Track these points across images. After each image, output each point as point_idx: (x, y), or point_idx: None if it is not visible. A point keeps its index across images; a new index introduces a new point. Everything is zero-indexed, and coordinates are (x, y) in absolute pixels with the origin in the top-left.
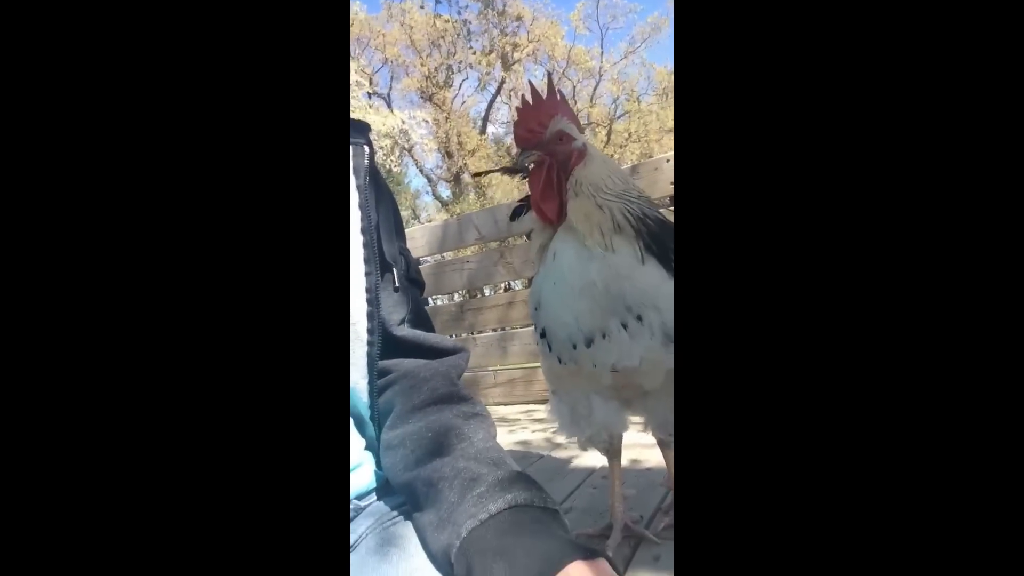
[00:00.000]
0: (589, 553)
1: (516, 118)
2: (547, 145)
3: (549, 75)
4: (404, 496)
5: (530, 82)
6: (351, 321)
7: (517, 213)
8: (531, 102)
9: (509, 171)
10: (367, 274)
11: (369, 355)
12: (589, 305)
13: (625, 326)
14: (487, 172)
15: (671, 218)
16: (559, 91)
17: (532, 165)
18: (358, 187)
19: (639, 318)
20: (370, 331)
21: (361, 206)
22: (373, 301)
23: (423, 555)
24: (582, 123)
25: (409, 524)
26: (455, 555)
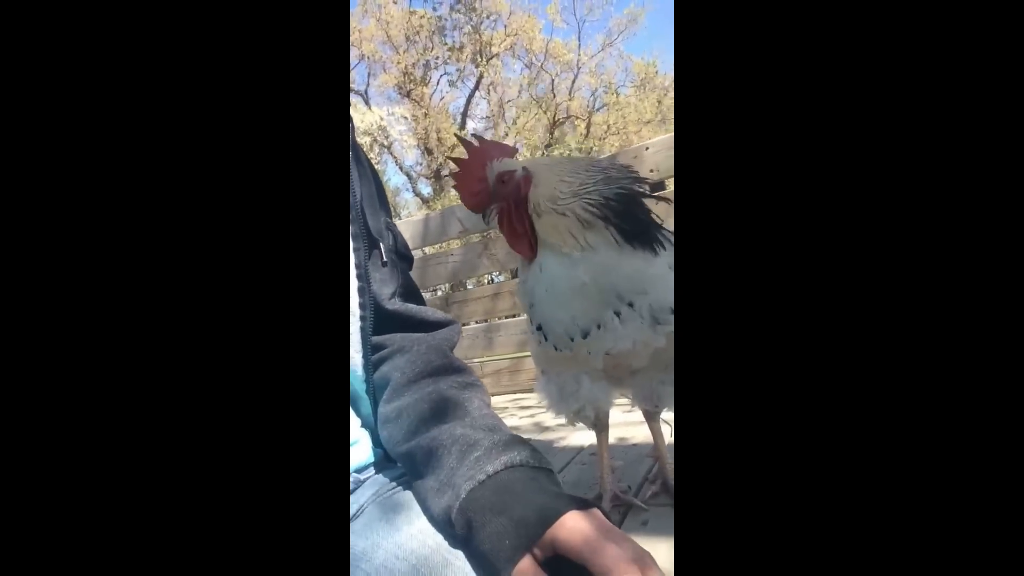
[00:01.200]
0: (583, 504)
1: (456, 188)
2: (497, 195)
3: (462, 135)
4: (404, 465)
5: (461, 143)
6: None
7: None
8: (459, 169)
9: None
10: (355, 249)
11: (362, 330)
12: (584, 304)
13: (618, 314)
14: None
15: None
16: (474, 136)
17: (489, 222)
18: None
19: (630, 304)
20: (362, 306)
21: None
22: (363, 276)
23: (424, 519)
24: (561, 117)
25: (408, 493)
26: (455, 515)
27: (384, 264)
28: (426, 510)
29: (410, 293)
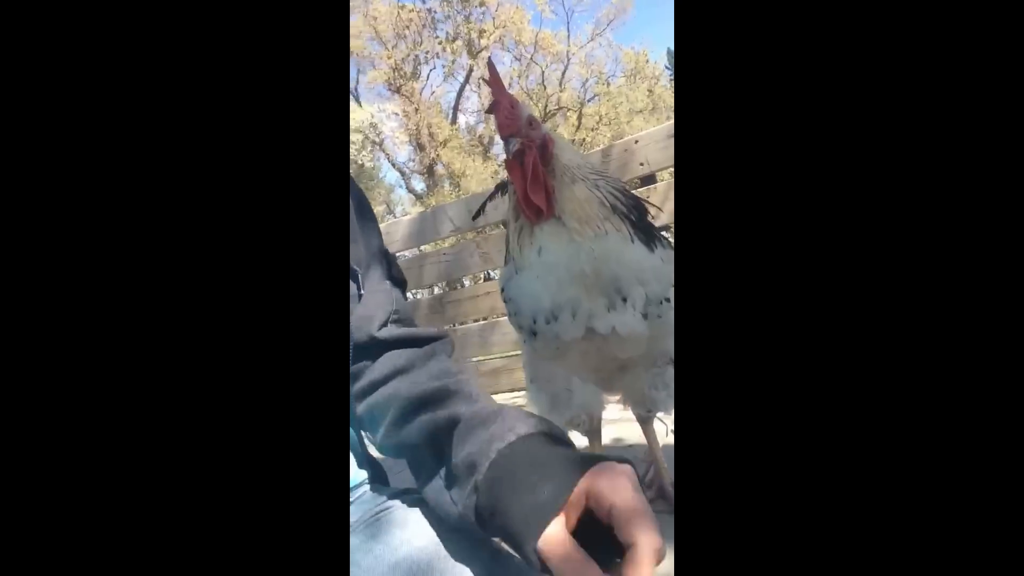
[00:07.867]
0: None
1: (492, 105)
2: (524, 131)
3: (490, 60)
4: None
5: (490, 63)
6: None
7: (479, 212)
8: (496, 86)
9: (499, 190)
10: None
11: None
12: (576, 292)
13: (611, 307)
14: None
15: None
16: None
17: (512, 156)
18: None
19: (624, 299)
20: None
21: None
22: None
23: (420, 540)
24: (553, 108)
25: (397, 513)
26: (481, 482)
27: (360, 297)
28: (440, 503)
29: (404, 321)
